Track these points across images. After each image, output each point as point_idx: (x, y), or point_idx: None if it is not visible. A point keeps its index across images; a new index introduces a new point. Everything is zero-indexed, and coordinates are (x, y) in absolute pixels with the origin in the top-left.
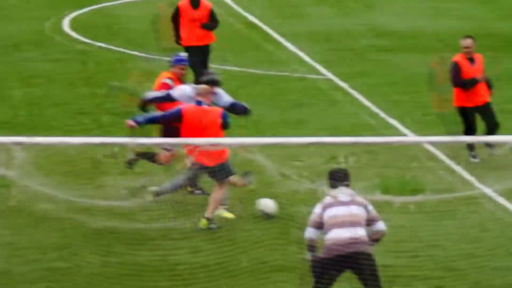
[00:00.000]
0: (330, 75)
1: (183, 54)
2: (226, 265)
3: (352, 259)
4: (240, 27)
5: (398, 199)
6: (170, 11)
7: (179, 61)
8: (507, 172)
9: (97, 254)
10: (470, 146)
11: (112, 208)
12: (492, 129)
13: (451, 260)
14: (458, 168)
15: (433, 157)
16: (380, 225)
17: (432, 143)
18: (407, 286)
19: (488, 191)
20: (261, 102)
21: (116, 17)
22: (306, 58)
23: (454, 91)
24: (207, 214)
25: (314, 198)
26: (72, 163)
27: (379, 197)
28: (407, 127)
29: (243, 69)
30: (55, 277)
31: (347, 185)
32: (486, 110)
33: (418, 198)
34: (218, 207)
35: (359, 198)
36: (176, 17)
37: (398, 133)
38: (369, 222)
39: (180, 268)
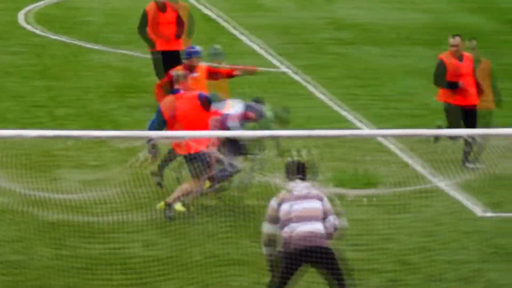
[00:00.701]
0: (287, 69)
1: (197, 47)
2: (179, 259)
3: (309, 254)
4: (196, 20)
5: (352, 192)
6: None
7: (192, 53)
8: (461, 166)
9: (50, 247)
10: (466, 154)
11: (65, 201)
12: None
13: (405, 253)
14: (412, 162)
15: (388, 151)
16: (332, 220)
17: (387, 136)
18: (362, 280)
19: (442, 185)
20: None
21: (76, 9)
22: (263, 52)
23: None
24: (168, 199)
25: (267, 191)
26: (26, 156)
27: (334, 190)
28: (365, 120)
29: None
30: (8, 270)
31: (302, 178)
32: (470, 114)
33: (372, 191)
34: (181, 198)
35: (315, 191)
36: (143, 22)
37: (355, 126)
38: (324, 215)
39: (133, 262)
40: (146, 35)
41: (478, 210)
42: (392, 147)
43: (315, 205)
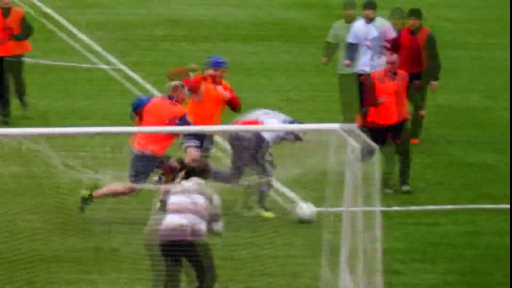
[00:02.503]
0: (122, 65)
1: (218, 57)
2: (5, 256)
3: (178, 247)
4: (34, 17)
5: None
6: None
7: (217, 63)
8: (289, 161)
9: None
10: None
11: None
12: (401, 152)
13: (231, 249)
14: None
15: (220, 148)
16: (218, 225)
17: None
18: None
19: (271, 180)
20: (50, 92)
21: None
22: (99, 48)
23: None
24: (96, 192)
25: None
26: None
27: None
28: None
29: (35, 60)
30: None
31: (200, 177)
32: (397, 131)
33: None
34: (108, 195)
35: (207, 190)
36: None
37: None
38: (212, 217)
39: None
40: None
41: (305, 205)
42: (222, 141)
43: (198, 201)
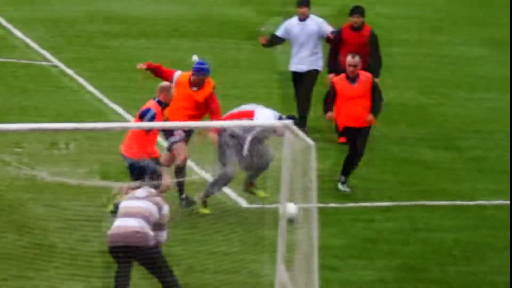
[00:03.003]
0: (57, 61)
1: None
2: None
3: (124, 251)
4: None
5: (118, 185)
6: None
7: (196, 70)
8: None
9: None
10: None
11: None
12: (353, 155)
13: (168, 245)
14: None
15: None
16: (162, 235)
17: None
18: None
19: (207, 176)
20: None
21: None
22: (34, 44)
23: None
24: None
25: (33, 185)
26: None
27: (99, 182)
28: (131, 112)
29: None
30: None
31: (151, 186)
32: (358, 135)
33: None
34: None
35: (158, 199)
36: None
37: (121, 119)
38: (158, 226)
39: None
40: None
41: (243, 202)
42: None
43: (147, 207)
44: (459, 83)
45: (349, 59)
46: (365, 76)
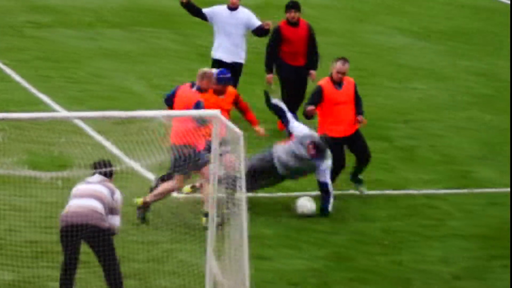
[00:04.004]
0: None
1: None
2: None
3: (79, 230)
4: None
5: (47, 175)
6: None
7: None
8: (154, 147)
9: None
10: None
11: None
12: (362, 161)
13: None
14: (108, 144)
15: (83, 133)
16: (115, 220)
17: (81, 119)
18: (55, 262)
19: (137, 166)
20: None
21: None
22: None
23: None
24: (146, 197)
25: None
26: None
27: (28, 172)
28: (59, 102)
29: None
30: None
31: (101, 173)
32: (354, 141)
33: (67, 173)
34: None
35: (110, 184)
36: None
37: (49, 109)
38: (111, 210)
39: None
40: None
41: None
42: (87, 129)
43: (101, 190)
44: (385, 73)
45: (339, 66)
46: (347, 80)
